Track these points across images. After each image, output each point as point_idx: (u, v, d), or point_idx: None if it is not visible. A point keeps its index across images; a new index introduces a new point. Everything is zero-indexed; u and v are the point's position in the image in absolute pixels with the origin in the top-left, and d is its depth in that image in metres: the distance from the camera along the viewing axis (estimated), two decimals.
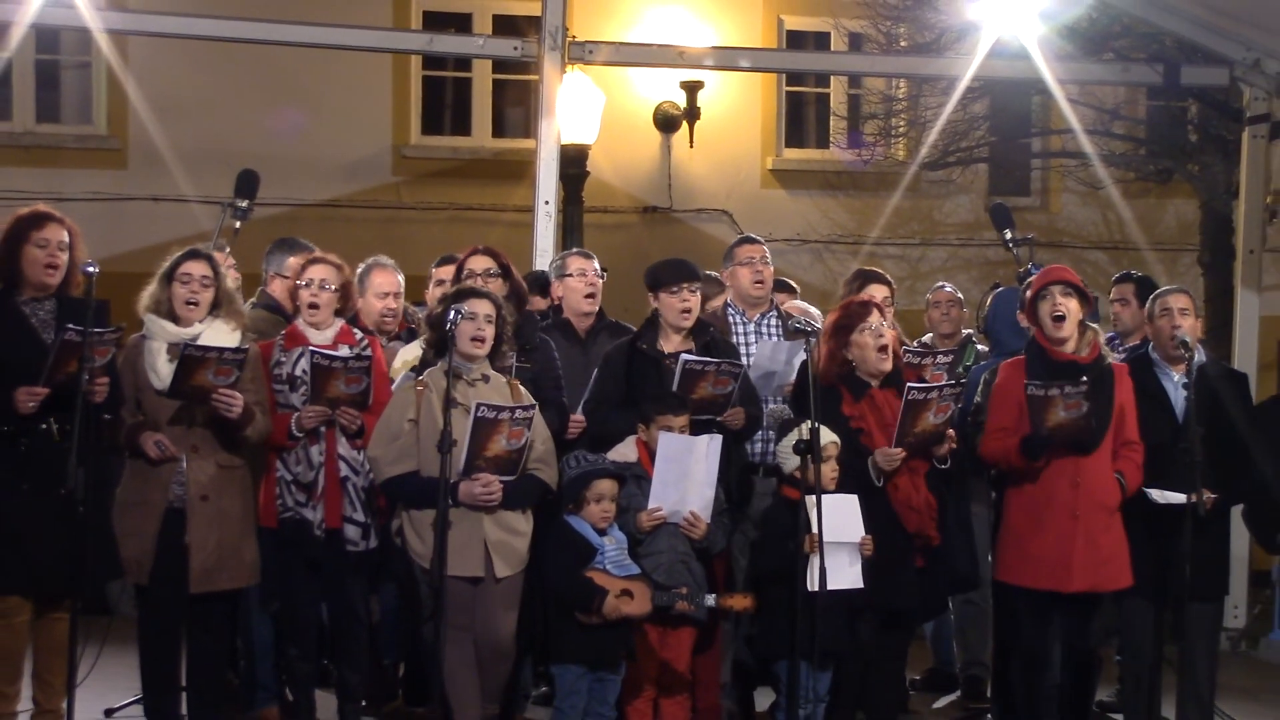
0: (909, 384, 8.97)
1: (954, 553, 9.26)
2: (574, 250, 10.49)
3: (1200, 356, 9.42)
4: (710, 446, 8.79)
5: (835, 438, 8.75)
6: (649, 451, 8.94)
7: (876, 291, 9.74)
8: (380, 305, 10.13)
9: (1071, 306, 9.09)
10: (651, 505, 8.73)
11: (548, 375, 9.48)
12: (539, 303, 10.48)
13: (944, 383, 9.16)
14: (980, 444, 9.23)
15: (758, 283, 10.28)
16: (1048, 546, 9.01)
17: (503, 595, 8.66)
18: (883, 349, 9.07)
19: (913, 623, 9.37)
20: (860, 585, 8.64)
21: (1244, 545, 10.54)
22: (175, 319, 8.74)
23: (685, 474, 8.71)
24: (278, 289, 10.17)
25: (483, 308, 8.69)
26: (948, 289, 11.54)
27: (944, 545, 9.14)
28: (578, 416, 9.50)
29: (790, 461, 8.69)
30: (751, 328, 10.26)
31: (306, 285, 9.20)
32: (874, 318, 9.10)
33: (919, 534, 8.96)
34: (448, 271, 10.13)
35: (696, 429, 9.10)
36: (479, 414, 8.36)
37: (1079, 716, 9.38)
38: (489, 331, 8.69)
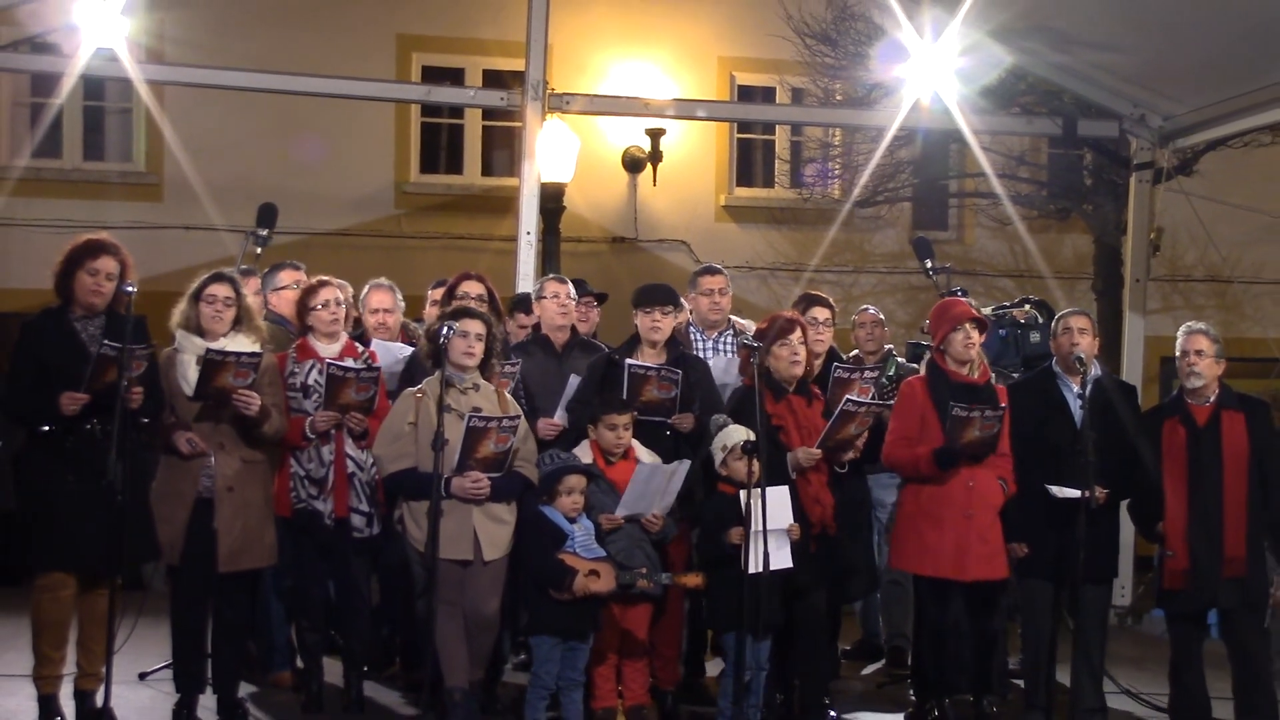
0: (847, 397, 9.04)
1: (843, 544, 9.28)
2: (551, 276, 10.52)
3: (1096, 370, 9.48)
4: (678, 470, 8.82)
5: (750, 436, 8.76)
6: (600, 449, 8.98)
7: (819, 313, 9.77)
8: (374, 320, 10.20)
9: (977, 339, 9.21)
10: (619, 513, 8.76)
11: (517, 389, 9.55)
12: (524, 320, 10.52)
13: (878, 402, 9.19)
14: (883, 449, 9.30)
15: (714, 308, 10.39)
16: (947, 541, 9.07)
17: (489, 575, 8.69)
18: (795, 362, 9.12)
19: (812, 596, 9.32)
20: (790, 565, 8.67)
21: (1130, 533, 10.56)
22: (202, 334, 8.75)
23: (654, 491, 8.75)
24: (278, 303, 10.25)
25: (474, 327, 8.73)
26: (871, 311, 11.57)
27: (838, 536, 9.18)
28: (553, 421, 9.51)
29: (717, 458, 8.73)
30: (710, 344, 10.34)
31: (323, 307, 9.22)
32: (795, 335, 9.15)
33: (819, 523, 8.97)
34: (440, 294, 10.14)
35: (647, 430, 9.16)
36: (471, 423, 8.41)
37: (985, 682, 9.40)
38: (478, 347, 8.73)
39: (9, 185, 18.09)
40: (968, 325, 9.19)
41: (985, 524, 9.07)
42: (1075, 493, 8.76)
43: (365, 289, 10.31)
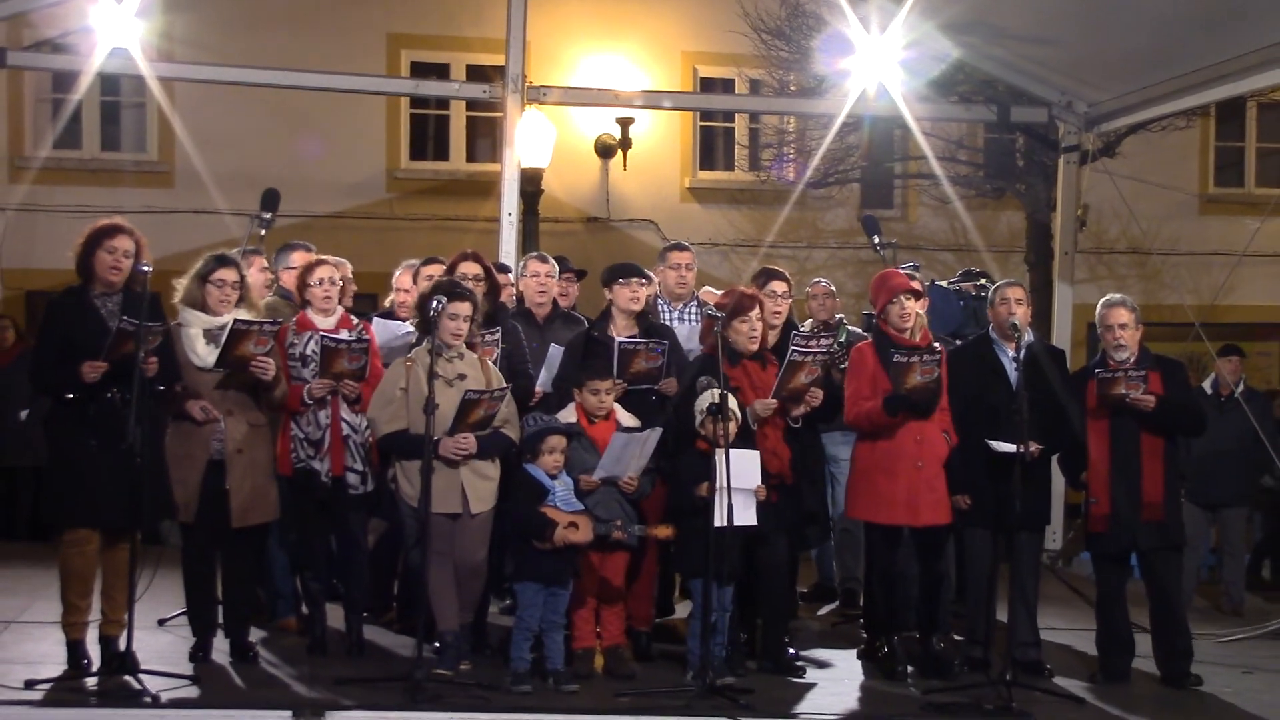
0: (793, 346, 9.03)
1: (802, 494, 9.30)
2: (534, 255, 10.50)
3: (1029, 336, 9.50)
4: (651, 437, 8.82)
5: (734, 407, 8.79)
6: (584, 412, 8.98)
7: (777, 286, 9.68)
8: (398, 299, 10.30)
9: (913, 308, 9.19)
10: (597, 475, 8.74)
11: (518, 353, 9.54)
12: (508, 291, 10.55)
13: (819, 349, 9.17)
14: (845, 412, 9.32)
15: (680, 283, 10.38)
16: (900, 490, 9.08)
17: (477, 527, 8.70)
18: (753, 339, 9.13)
19: (773, 543, 9.34)
20: (755, 524, 8.68)
21: (1061, 484, 10.59)
22: (206, 310, 8.77)
23: (629, 456, 8.74)
24: (288, 281, 10.20)
25: (464, 309, 8.71)
26: (823, 284, 11.59)
27: (795, 485, 9.17)
28: (538, 389, 9.52)
29: (698, 418, 8.73)
30: (676, 314, 10.33)
31: (318, 284, 9.20)
32: (754, 313, 9.14)
33: (777, 475, 8.97)
34: (433, 270, 10.07)
35: (636, 398, 9.18)
36: (466, 396, 8.46)
37: (931, 621, 9.44)
38: (466, 328, 8.74)
39: (33, 174, 18.13)
40: (902, 297, 9.18)
41: (933, 473, 9.08)
42: (1011, 447, 8.77)
43: (399, 270, 10.43)
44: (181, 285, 8.88)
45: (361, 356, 8.98)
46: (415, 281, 10.02)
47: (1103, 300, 9.51)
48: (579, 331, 9.73)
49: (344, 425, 9.03)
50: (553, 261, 10.27)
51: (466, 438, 8.54)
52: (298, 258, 10.27)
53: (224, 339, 8.56)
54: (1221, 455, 12.16)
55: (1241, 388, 13.21)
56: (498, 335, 9.47)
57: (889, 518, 9.19)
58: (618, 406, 9.07)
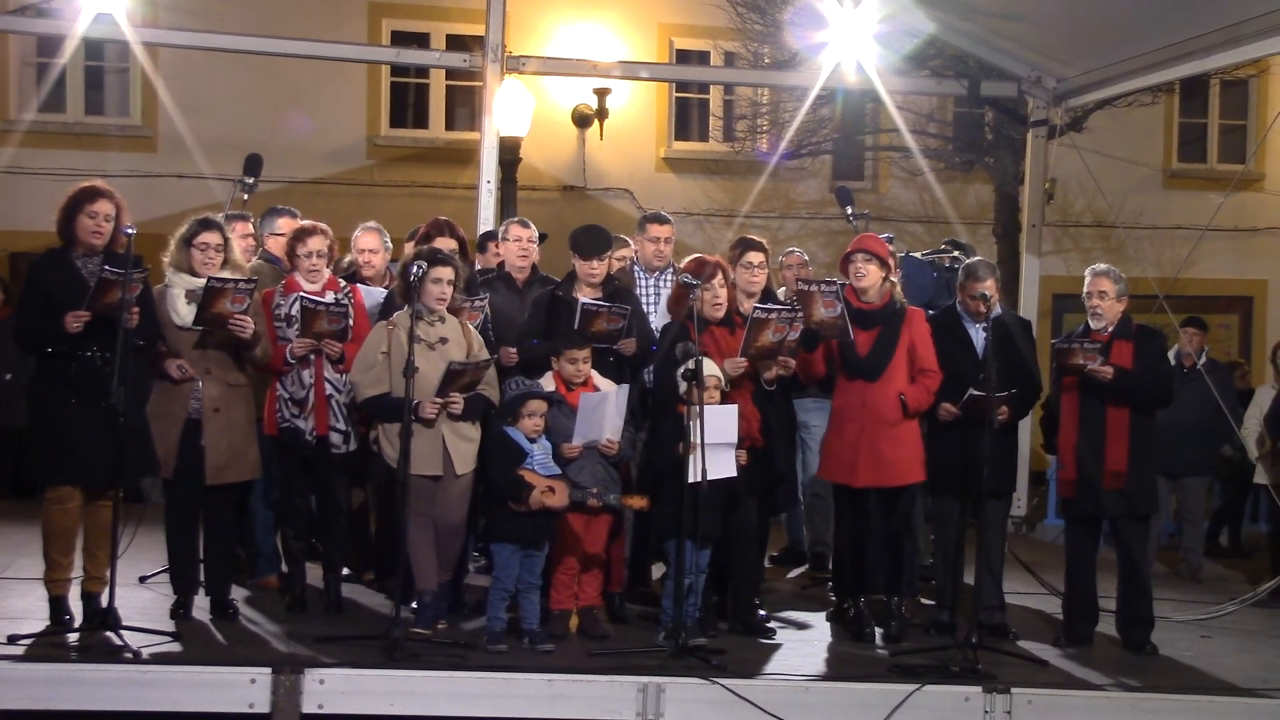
0: (755, 305, 9.02)
1: (773, 456, 9.29)
2: (514, 220, 10.45)
3: (997, 309, 9.48)
4: (619, 395, 8.83)
5: (718, 372, 8.79)
6: (562, 379, 8.96)
7: (754, 257, 9.54)
8: (361, 259, 10.12)
9: (870, 270, 9.16)
10: (575, 441, 8.73)
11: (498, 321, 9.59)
12: (489, 259, 10.51)
13: (781, 306, 9.15)
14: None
15: (658, 255, 10.39)
16: (845, 450, 9.12)
17: (459, 488, 8.71)
18: (716, 305, 9.13)
19: (743, 506, 9.33)
20: (734, 474, 8.69)
21: (1027, 452, 10.63)
22: (192, 273, 8.75)
23: (602, 418, 8.73)
24: (273, 245, 10.19)
25: (446, 274, 8.71)
26: (797, 253, 11.62)
27: (765, 448, 9.17)
28: (512, 350, 9.48)
29: (682, 385, 8.71)
30: (652, 283, 10.32)
31: (308, 256, 9.17)
32: (716, 280, 9.14)
33: (748, 437, 8.94)
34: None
35: (597, 355, 9.14)
36: (453, 367, 8.48)
37: (897, 582, 9.44)
38: (449, 292, 8.74)
39: (17, 137, 18.04)
40: (858, 257, 9.17)
41: (879, 437, 9.04)
42: (980, 393, 8.79)
43: (357, 231, 10.26)
44: (170, 250, 8.86)
45: (342, 319, 8.97)
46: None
47: (1090, 268, 9.51)
48: (544, 291, 9.73)
49: (327, 385, 9.02)
50: (534, 227, 10.23)
51: (455, 398, 8.55)
52: (283, 223, 10.25)
53: (202, 295, 8.56)
54: (1183, 426, 12.17)
55: (1204, 359, 13.26)
56: (484, 301, 9.45)
57: (832, 475, 9.28)
58: (595, 374, 9.05)
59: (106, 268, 8.03)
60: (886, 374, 9.10)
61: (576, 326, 9.14)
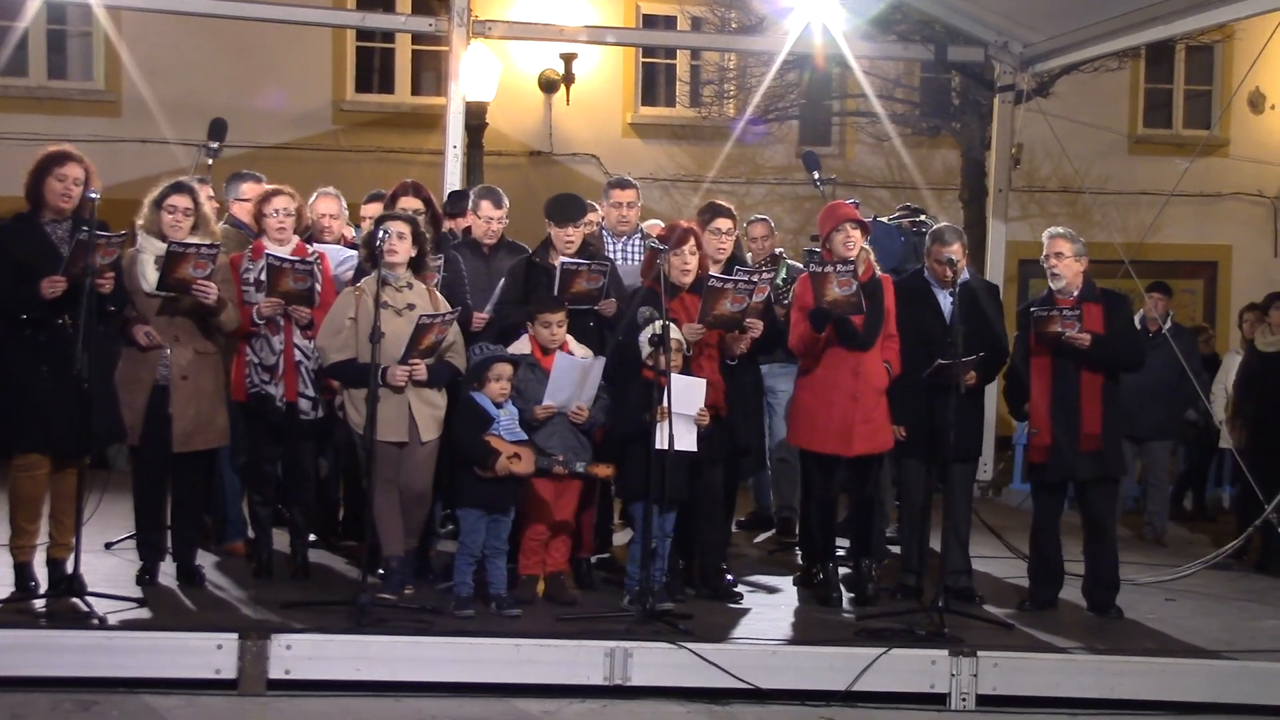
0: (710, 274, 9.01)
1: (735, 426, 9.28)
2: (488, 195, 10.08)
3: (965, 274, 9.48)
4: (595, 365, 8.82)
5: (680, 335, 8.77)
6: (538, 344, 8.93)
7: (722, 223, 9.50)
8: (320, 224, 10.02)
9: (858, 237, 9.14)
10: (546, 403, 8.72)
11: (458, 284, 9.48)
12: (459, 223, 10.41)
13: (738, 277, 9.12)
14: (789, 339, 9.31)
15: (622, 221, 10.41)
16: (835, 421, 9.08)
17: (425, 454, 8.68)
18: (685, 271, 9.10)
19: (711, 474, 9.33)
20: (695, 449, 8.69)
21: (993, 417, 10.65)
22: (163, 237, 8.68)
23: (574, 384, 8.72)
24: (238, 210, 10.13)
25: (396, 227, 8.65)
26: (761, 221, 11.61)
27: (728, 418, 9.16)
28: (481, 314, 9.43)
29: (645, 349, 8.69)
30: (619, 247, 10.30)
31: (274, 214, 9.16)
32: (687, 246, 9.11)
33: (712, 406, 8.90)
34: (374, 209, 10.02)
35: (576, 323, 9.11)
36: (421, 321, 8.42)
37: (864, 547, 9.47)
38: (401, 246, 8.65)
39: None
40: (847, 226, 9.13)
41: (871, 404, 9.08)
42: (947, 361, 8.80)
43: (314, 196, 10.15)
44: (142, 214, 8.82)
45: (307, 279, 8.92)
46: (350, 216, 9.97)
47: (1047, 231, 9.54)
48: (520, 258, 9.66)
49: (296, 351, 9.01)
50: (506, 203, 10.02)
51: (417, 363, 8.51)
52: (247, 188, 10.18)
53: (164, 261, 8.52)
54: (1148, 390, 12.21)
55: (1169, 324, 13.32)
56: (440, 262, 9.40)
57: (822, 446, 9.22)
58: (571, 339, 9.02)
59: (85, 230, 7.95)
60: (874, 345, 9.14)
61: (556, 290, 9.08)
